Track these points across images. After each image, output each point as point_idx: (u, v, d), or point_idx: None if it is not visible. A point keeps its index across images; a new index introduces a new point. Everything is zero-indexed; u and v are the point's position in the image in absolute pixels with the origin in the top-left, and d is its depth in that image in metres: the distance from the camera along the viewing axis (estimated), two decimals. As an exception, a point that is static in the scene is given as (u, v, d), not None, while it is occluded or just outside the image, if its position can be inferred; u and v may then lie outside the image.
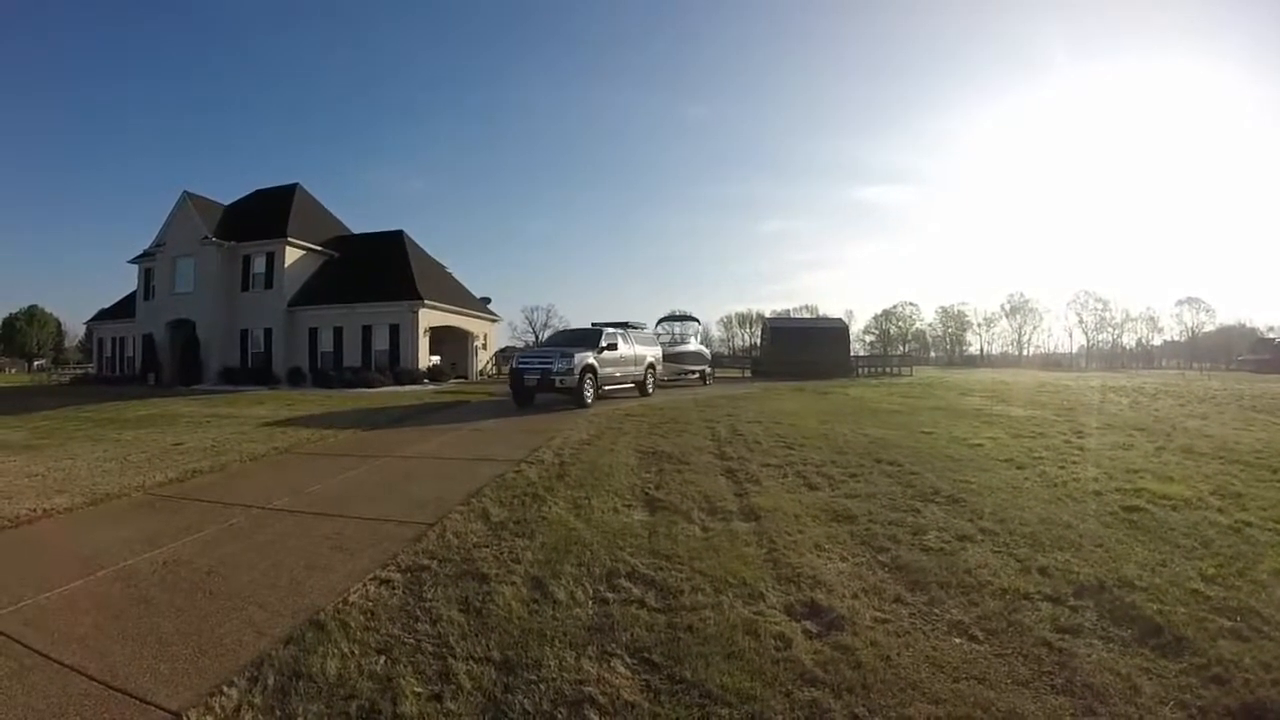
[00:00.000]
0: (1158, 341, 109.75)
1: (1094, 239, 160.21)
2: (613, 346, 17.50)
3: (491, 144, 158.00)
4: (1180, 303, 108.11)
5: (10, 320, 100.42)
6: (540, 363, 16.04)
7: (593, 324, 19.44)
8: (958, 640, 3.32)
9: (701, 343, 33.29)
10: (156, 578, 4.56)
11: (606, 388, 17.17)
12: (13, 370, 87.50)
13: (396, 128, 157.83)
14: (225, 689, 2.99)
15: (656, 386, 22.35)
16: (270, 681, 3.05)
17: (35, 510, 6.45)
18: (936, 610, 3.71)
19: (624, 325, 20.02)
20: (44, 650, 3.44)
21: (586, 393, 15.73)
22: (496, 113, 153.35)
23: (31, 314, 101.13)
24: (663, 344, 24.86)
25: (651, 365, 20.13)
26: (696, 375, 28.67)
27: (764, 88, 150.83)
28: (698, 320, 36.40)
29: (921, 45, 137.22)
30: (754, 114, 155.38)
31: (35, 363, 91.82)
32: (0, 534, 5.75)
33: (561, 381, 15.36)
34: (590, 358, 16.18)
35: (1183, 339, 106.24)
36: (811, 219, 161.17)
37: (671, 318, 35.80)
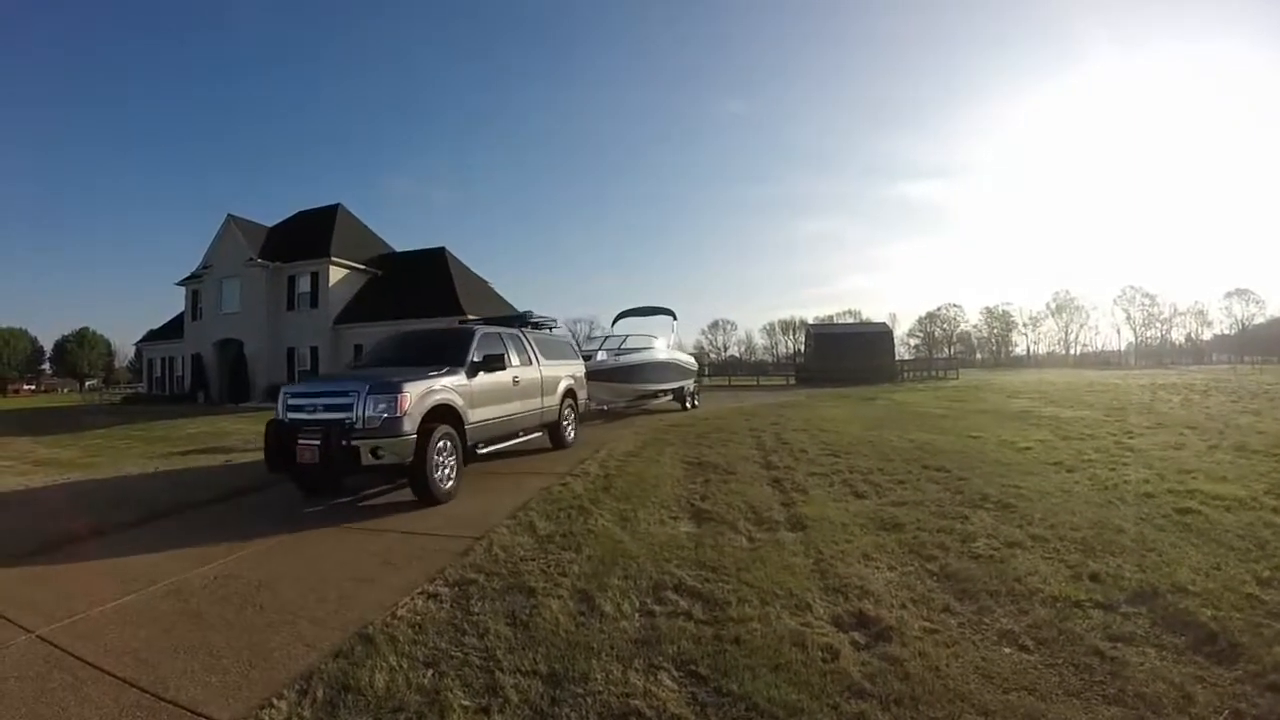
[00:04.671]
0: (1207, 336, 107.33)
1: (1140, 231, 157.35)
2: (495, 362, 8.83)
3: (527, 154, 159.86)
4: (1229, 295, 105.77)
5: (61, 342, 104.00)
6: (326, 407, 7.29)
7: (461, 321, 10.11)
8: (1007, 650, 3.31)
9: (676, 346, 21.48)
10: (207, 592, 4.72)
11: (487, 448, 8.77)
12: (65, 390, 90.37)
13: (434, 143, 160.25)
14: (275, 701, 3.08)
15: (600, 416, 16.86)
16: (319, 694, 3.12)
17: (92, 524, 6.75)
18: (986, 619, 3.69)
19: (518, 320, 11.90)
20: (97, 663, 3.56)
21: (440, 472, 7.38)
22: (531, 121, 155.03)
23: (82, 336, 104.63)
24: (612, 350, 17.44)
25: (570, 393, 11.84)
26: (668, 397, 19.73)
27: (801, 82, 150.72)
28: (672, 314, 22.35)
29: (961, 37, 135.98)
30: (791, 109, 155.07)
31: (87, 383, 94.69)
32: (58, 549, 5.96)
33: (376, 452, 6.81)
34: (443, 389, 7.76)
35: (1233, 332, 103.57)
36: (852, 218, 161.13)
37: (634, 312, 23.02)
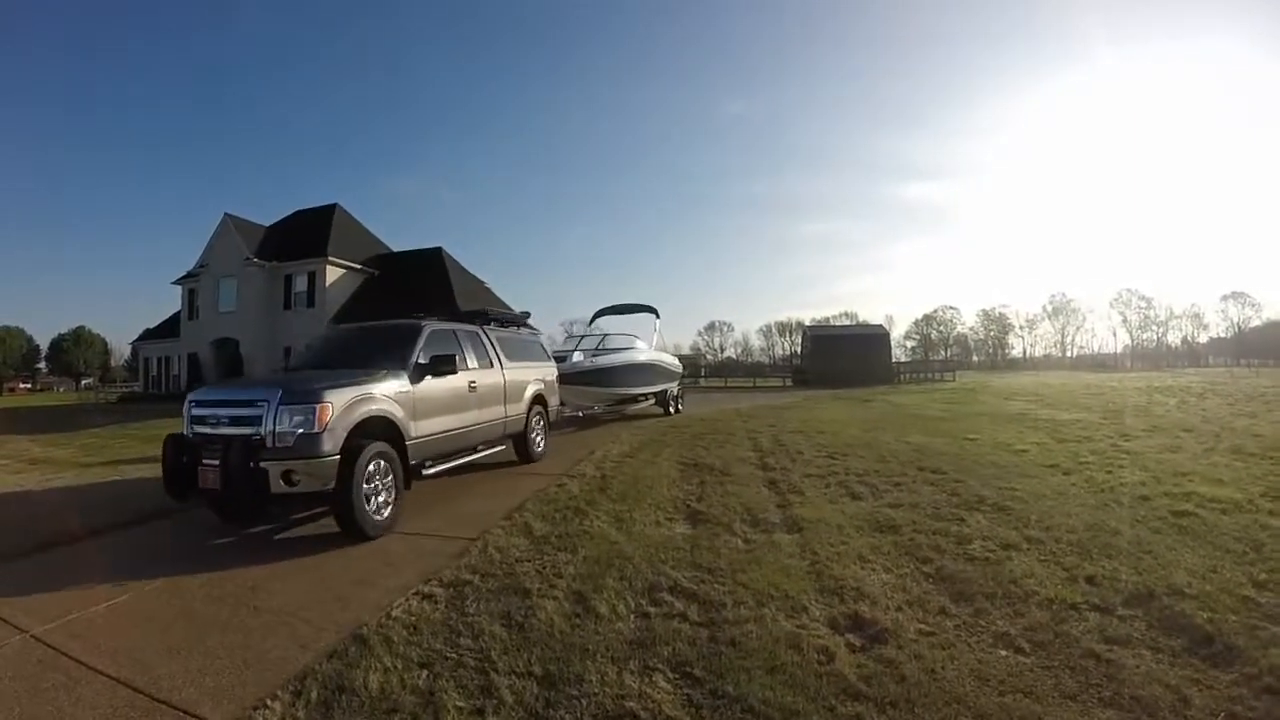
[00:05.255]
0: (1203, 339, 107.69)
1: (1136, 234, 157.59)
2: (445, 364, 7.38)
3: (526, 155, 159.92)
4: (1225, 298, 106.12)
5: (58, 341, 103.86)
6: (232, 419, 5.99)
7: (416, 316, 8.57)
8: (1003, 652, 3.30)
9: (659, 346, 19.63)
10: (202, 592, 4.69)
11: (436, 467, 7.37)
12: (61, 389, 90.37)
13: (432, 143, 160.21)
14: (269, 702, 3.06)
15: (573, 423, 15.55)
16: (314, 695, 3.11)
17: (88, 526, 6.67)
18: (982, 622, 3.68)
19: (480, 316, 10.17)
20: (91, 663, 3.54)
21: (371, 500, 6.04)
22: (530, 122, 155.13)
23: (78, 335, 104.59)
24: (589, 350, 16.19)
25: (539, 400, 10.49)
26: (650, 401, 18.54)
27: (800, 83, 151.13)
28: (654, 311, 20.39)
29: (960, 38, 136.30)
30: (790, 110, 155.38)
31: (83, 381, 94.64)
32: (55, 549, 5.94)
33: (289, 477, 5.50)
34: (378, 397, 6.41)
35: (1229, 335, 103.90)
36: (850, 220, 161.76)
37: (613, 309, 21.27)
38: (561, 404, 12.23)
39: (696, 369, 61.18)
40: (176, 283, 38.50)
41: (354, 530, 5.82)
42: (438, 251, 36.98)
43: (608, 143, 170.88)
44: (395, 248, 40.27)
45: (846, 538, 5.37)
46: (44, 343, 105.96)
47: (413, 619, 3.99)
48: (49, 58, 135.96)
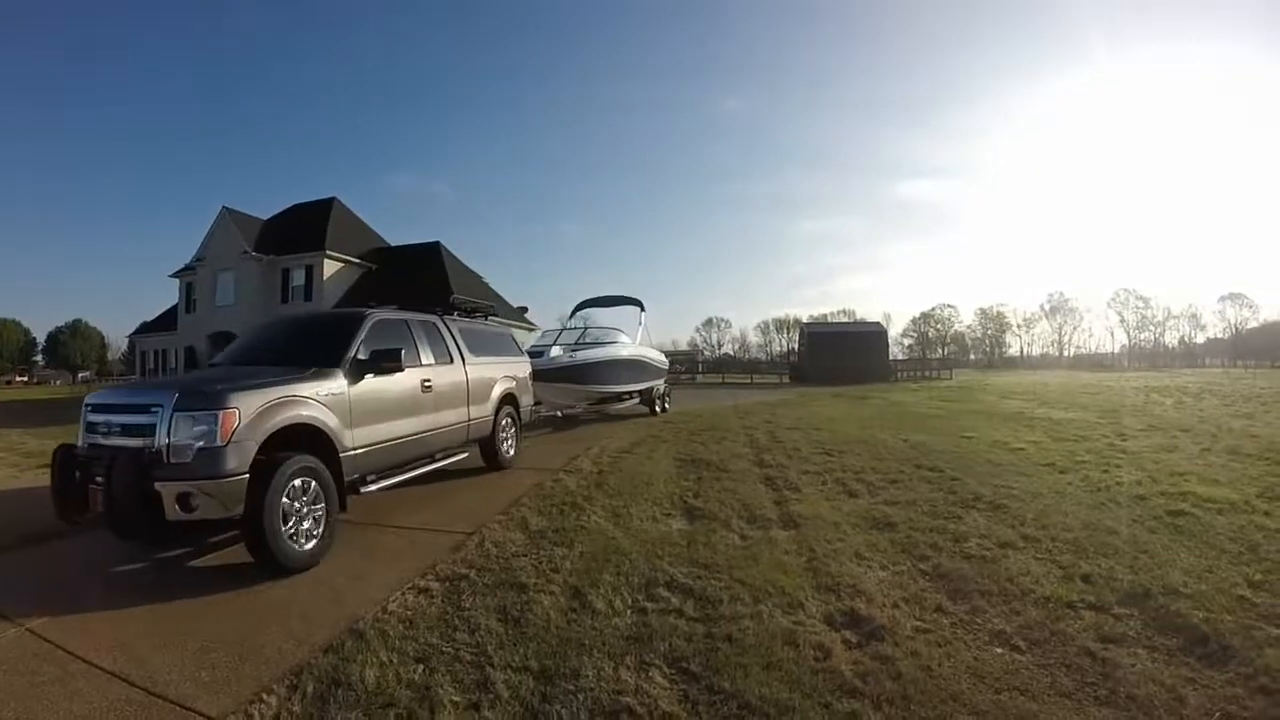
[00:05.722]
0: (1200, 339, 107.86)
1: (1134, 234, 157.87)
2: (390, 359, 6.16)
3: (525, 152, 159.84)
4: (1223, 299, 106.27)
5: (54, 334, 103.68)
6: (124, 429, 4.87)
7: (369, 307, 7.37)
8: (999, 650, 3.30)
9: (645, 341, 18.07)
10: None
11: (380, 482, 6.23)
12: (58, 382, 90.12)
13: (431, 140, 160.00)
14: (265, 696, 3.04)
15: (549, 424, 14.39)
16: (309, 689, 3.09)
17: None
18: (978, 619, 3.69)
19: (444, 306, 8.87)
20: (86, 656, 3.51)
21: (293, 527, 4.89)
22: (530, 119, 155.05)
23: (75, 328, 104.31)
24: (569, 345, 14.98)
25: (510, 399, 9.41)
26: (635, 399, 17.04)
27: (799, 81, 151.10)
28: (639, 304, 18.83)
29: (960, 37, 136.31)
30: (786, 107, 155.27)
31: (80, 375, 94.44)
32: (48, 544, 5.82)
33: (186, 501, 4.37)
34: (302, 401, 5.28)
35: (1226, 336, 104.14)
36: (848, 218, 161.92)
37: (595, 301, 20.02)
38: (537, 403, 11.30)
39: (694, 365, 61.19)
40: (174, 276, 38.39)
41: (268, 563, 4.73)
42: (435, 246, 36.94)
43: (607, 140, 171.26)
44: (393, 242, 40.22)
45: (843, 535, 5.37)
46: (41, 336, 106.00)
47: (409, 613, 3.98)
48: (47, 52, 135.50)
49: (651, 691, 2.98)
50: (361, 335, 6.28)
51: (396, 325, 7.14)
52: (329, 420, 5.43)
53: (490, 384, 8.82)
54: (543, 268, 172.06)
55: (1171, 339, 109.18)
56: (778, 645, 3.39)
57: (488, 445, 8.90)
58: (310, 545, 4.99)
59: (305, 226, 35.80)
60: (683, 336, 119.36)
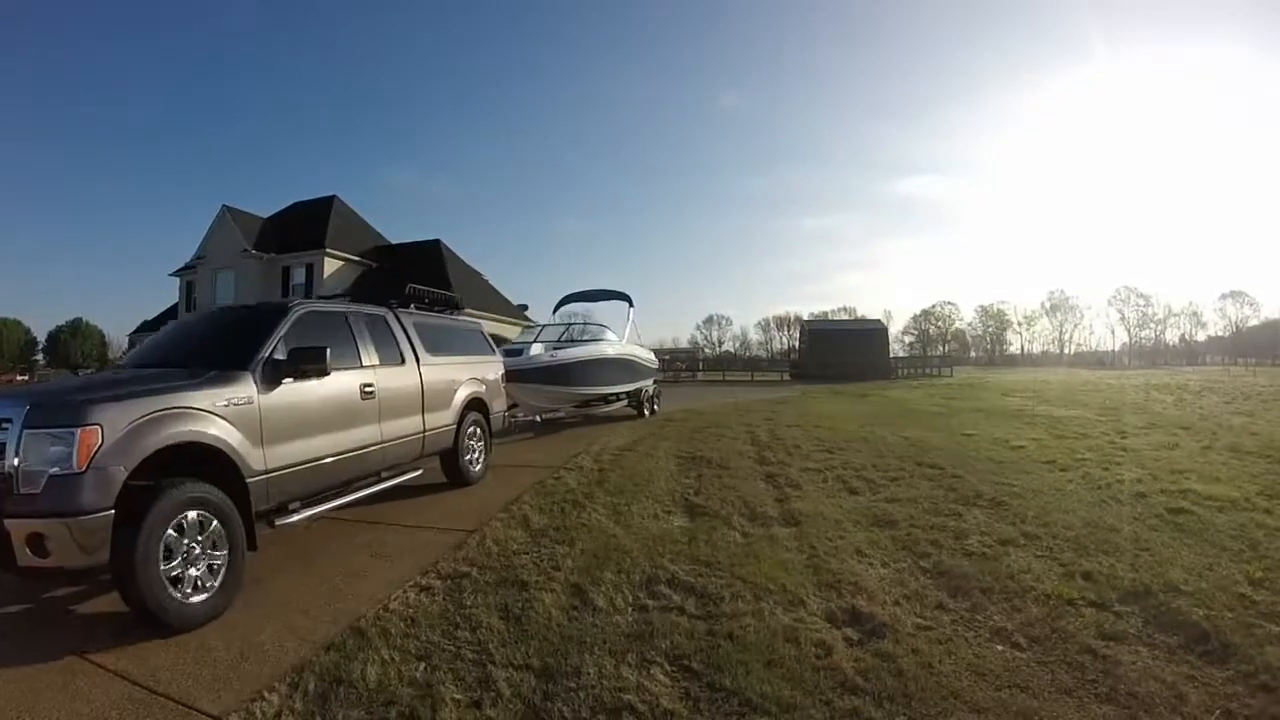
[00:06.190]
0: (1201, 337, 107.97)
1: (1135, 232, 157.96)
2: (316, 360, 4.91)
3: (525, 150, 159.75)
4: (1224, 297, 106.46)
5: (55, 333, 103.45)
6: None
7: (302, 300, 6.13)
8: (1000, 647, 3.31)
9: (633, 339, 16.50)
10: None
11: (306, 511, 5.07)
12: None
13: (431, 137, 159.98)
14: (267, 694, 3.04)
15: (530, 429, 13.17)
16: (311, 687, 3.09)
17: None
18: (979, 617, 3.69)
19: (401, 301, 7.55)
20: (87, 654, 3.51)
21: (183, 571, 3.81)
22: (529, 116, 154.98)
23: (75, 327, 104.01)
24: (550, 343, 13.84)
25: (477, 405, 8.23)
26: (622, 401, 15.86)
27: (798, 77, 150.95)
28: (628, 299, 17.34)
29: (961, 35, 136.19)
30: (786, 102, 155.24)
31: (80, 373, 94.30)
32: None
33: (38, 544, 3.36)
34: (193, 412, 4.06)
35: (1227, 334, 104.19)
36: (849, 215, 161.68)
37: (581, 296, 18.03)
38: (513, 406, 10.44)
39: (694, 363, 61.21)
40: (174, 275, 38.48)
41: (148, 618, 3.71)
42: (436, 244, 37.02)
43: (607, 137, 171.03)
44: (394, 240, 40.21)
45: (844, 532, 5.38)
46: (41, 335, 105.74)
47: (410, 611, 3.98)
48: (47, 52, 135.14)
49: (653, 689, 2.98)
50: (281, 331, 5.11)
51: (330, 319, 5.99)
52: (229, 437, 4.28)
53: (453, 387, 7.66)
54: (543, 265, 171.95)
55: (1172, 337, 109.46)
56: (779, 643, 3.39)
57: (449, 458, 7.68)
58: (203, 597, 3.92)
59: (306, 224, 35.87)
60: (684, 333, 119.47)
